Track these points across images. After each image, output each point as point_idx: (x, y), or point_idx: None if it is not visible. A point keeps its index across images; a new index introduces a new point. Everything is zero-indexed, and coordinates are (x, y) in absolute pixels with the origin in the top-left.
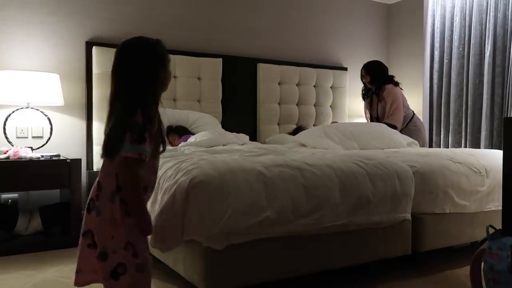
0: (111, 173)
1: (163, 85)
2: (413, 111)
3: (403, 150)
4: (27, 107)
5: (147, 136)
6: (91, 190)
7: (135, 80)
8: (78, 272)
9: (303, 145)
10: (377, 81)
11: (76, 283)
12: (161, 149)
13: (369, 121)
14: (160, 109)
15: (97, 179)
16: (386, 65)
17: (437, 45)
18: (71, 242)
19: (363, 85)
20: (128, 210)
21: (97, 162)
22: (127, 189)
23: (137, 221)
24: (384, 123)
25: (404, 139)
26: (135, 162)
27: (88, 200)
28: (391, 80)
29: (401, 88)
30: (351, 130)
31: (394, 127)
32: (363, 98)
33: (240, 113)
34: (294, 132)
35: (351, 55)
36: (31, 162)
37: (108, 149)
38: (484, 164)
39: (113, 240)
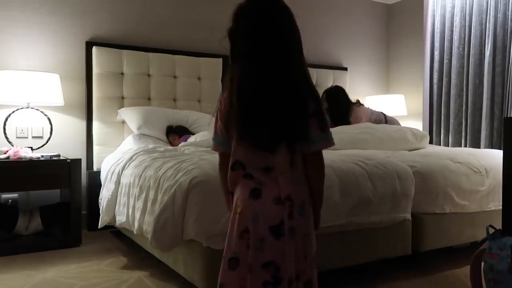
0: (302, 178)
1: None
2: (384, 115)
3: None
4: (27, 107)
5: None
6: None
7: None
8: None
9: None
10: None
11: None
12: None
13: None
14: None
15: (281, 193)
16: (386, 65)
17: (437, 45)
18: (71, 242)
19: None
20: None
21: (97, 162)
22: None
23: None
24: None
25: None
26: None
27: (279, 223)
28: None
29: (361, 104)
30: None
31: None
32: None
33: None
34: None
35: (351, 55)
36: (31, 162)
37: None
38: (484, 164)
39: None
